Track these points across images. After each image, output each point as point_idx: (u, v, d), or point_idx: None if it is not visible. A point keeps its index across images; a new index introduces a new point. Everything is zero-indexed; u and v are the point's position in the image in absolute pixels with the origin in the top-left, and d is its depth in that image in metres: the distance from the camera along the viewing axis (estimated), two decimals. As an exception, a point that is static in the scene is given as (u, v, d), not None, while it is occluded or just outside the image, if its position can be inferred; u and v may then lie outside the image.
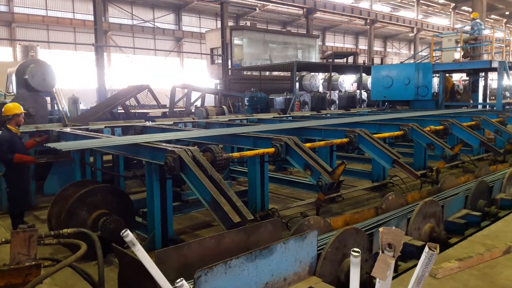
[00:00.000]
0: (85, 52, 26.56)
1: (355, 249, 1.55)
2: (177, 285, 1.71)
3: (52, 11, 27.61)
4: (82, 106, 13.81)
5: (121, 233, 1.93)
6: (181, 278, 1.74)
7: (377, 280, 1.45)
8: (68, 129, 6.70)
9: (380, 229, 1.41)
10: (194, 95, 15.63)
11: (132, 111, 13.61)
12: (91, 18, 19.23)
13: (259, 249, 2.96)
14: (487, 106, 13.41)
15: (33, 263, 2.64)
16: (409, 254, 3.91)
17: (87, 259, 4.03)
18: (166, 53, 31.79)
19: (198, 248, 3.14)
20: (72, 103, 12.73)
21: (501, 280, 3.28)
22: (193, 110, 14.19)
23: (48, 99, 10.94)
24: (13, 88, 10.33)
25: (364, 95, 20.26)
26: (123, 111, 12.26)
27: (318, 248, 3.37)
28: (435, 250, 1.41)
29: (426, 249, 1.41)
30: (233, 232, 3.32)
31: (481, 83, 13.84)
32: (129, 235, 1.92)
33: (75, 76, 26.25)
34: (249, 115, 10.14)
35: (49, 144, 5.09)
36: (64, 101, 12.99)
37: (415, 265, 1.65)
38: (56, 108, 11.57)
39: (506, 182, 5.96)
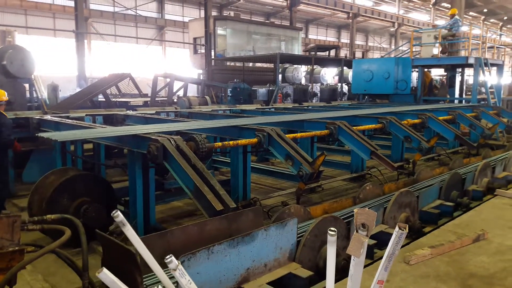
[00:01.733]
0: (65, 39, 25.86)
1: (332, 228, 1.65)
2: (166, 260, 1.78)
3: (30, -5, 26.77)
4: (61, 94, 13.51)
5: (112, 214, 1.98)
6: (170, 255, 1.81)
7: (352, 257, 1.57)
8: (48, 117, 6.60)
9: (355, 209, 1.52)
10: (177, 85, 15.51)
11: (113, 99, 13.43)
12: (72, 4, 18.79)
13: (241, 236, 3.05)
14: (463, 101, 13.79)
15: (17, 248, 2.64)
16: (385, 242, 4.07)
17: (70, 247, 4.04)
18: (148, 42, 31.29)
19: (181, 235, 3.21)
20: (52, 90, 12.44)
21: (469, 267, 3.47)
22: (175, 100, 14.09)
23: (26, 86, 10.74)
24: (-10, 74, 10.07)
25: (345, 88, 20.53)
26: (104, 99, 12.10)
27: (298, 236, 3.49)
28: (404, 230, 1.53)
29: (397, 228, 1.54)
30: (216, 220, 3.39)
31: (458, 79, 14.22)
32: (119, 216, 1.98)
33: (55, 62, 25.63)
34: (232, 106, 10.18)
35: (42, 134, 4.76)
36: (43, 88, 12.71)
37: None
38: (35, 95, 11.36)
39: (478, 174, 6.22)
